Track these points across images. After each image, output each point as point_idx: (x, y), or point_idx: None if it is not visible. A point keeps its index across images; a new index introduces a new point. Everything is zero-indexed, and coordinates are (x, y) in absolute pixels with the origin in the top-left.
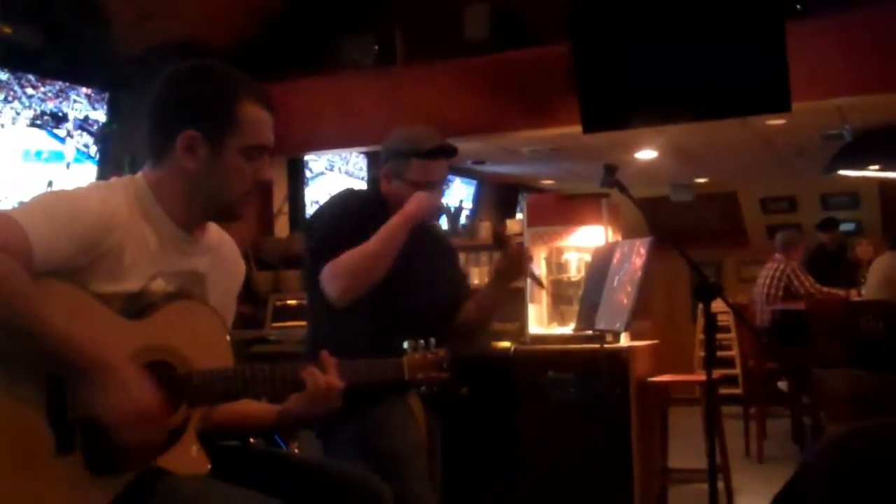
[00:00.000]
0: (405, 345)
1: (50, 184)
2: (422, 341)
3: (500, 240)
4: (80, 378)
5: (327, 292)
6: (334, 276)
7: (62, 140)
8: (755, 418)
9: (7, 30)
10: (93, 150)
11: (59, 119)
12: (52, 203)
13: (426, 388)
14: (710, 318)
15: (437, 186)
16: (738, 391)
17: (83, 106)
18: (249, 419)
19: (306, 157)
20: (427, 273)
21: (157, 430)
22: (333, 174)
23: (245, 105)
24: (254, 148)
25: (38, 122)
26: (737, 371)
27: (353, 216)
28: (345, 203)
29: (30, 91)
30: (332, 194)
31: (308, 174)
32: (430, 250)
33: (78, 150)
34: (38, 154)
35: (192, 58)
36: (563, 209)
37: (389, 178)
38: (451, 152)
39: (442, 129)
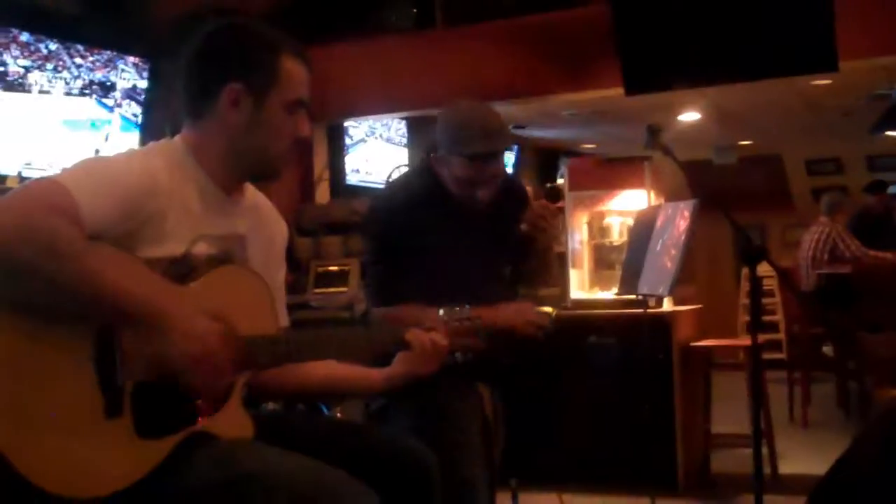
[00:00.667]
0: (440, 311)
1: (97, 152)
2: (457, 308)
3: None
4: (144, 328)
5: None
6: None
7: (111, 109)
8: (799, 383)
9: None
10: (142, 119)
11: (107, 88)
12: (95, 169)
13: (461, 355)
14: (756, 281)
15: (486, 185)
16: (782, 356)
17: (131, 75)
18: (348, 383)
19: (346, 124)
20: (477, 244)
21: (224, 373)
22: (374, 140)
23: (287, 59)
24: (295, 102)
25: (87, 91)
26: (781, 336)
27: (396, 232)
28: (390, 211)
29: (78, 60)
30: (387, 185)
31: (348, 141)
32: (489, 219)
33: (125, 118)
34: (92, 124)
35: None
36: (604, 173)
37: (439, 163)
38: (497, 155)
39: (482, 93)
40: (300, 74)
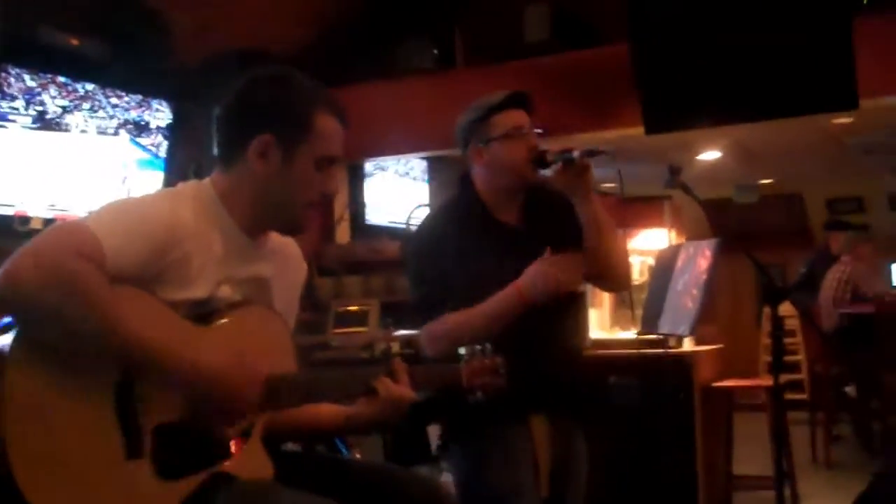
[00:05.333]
0: (461, 350)
1: (140, 193)
2: (478, 347)
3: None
4: (160, 378)
5: (425, 350)
6: (430, 341)
7: (145, 148)
8: (822, 424)
9: (73, 41)
10: (165, 159)
11: (142, 128)
12: (122, 212)
13: (482, 395)
14: (778, 321)
15: (529, 131)
16: (804, 396)
17: (165, 115)
18: (317, 422)
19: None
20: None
21: (255, 395)
22: (394, 178)
23: (321, 115)
24: (325, 159)
25: (123, 130)
26: (803, 376)
27: (439, 257)
28: (429, 240)
29: (114, 101)
30: (423, 219)
31: (368, 180)
32: (531, 243)
33: (156, 155)
34: (124, 163)
35: (257, 65)
36: (624, 212)
37: (480, 151)
38: (524, 99)
39: None
40: (334, 131)
